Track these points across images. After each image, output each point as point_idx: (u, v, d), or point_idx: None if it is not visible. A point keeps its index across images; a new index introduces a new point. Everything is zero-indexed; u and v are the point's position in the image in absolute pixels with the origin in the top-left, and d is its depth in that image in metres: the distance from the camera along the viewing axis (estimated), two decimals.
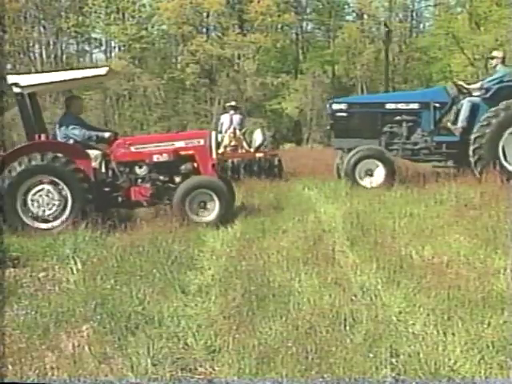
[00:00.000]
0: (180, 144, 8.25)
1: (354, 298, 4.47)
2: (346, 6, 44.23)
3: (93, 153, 8.10)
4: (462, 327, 3.77)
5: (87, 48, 43.00)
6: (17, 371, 3.52)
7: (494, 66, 10.41)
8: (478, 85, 10.33)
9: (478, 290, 4.33)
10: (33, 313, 4.36)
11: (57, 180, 7.68)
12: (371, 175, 9.59)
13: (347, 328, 3.88)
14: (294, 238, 6.43)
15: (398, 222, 6.79)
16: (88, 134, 8.32)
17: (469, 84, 10.68)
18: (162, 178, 8.10)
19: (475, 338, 3.61)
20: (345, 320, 3.98)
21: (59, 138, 8.33)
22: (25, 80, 8.22)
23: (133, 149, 8.18)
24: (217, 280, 5.13)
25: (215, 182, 8.04)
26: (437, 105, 9.95)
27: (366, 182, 9.56)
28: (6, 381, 3.47)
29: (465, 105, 9.87)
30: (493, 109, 9.54)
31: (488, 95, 9.78)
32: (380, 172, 9.56)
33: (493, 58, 10.67)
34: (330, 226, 7.23)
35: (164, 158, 8.08)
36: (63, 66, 38.98)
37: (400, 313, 4.18)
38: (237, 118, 13.95)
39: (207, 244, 6.61)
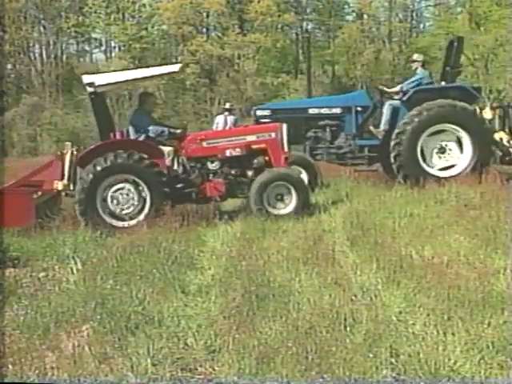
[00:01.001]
0: (252, 138, 8.31)
1: (354, 297, 4.47)
2: (346, 6, 44.23)
3: (165, 149, 8.16)
4: (462, 327, 3.77)
5: (87, 48, 43.01)
6: (17, 371, 3.52)
7: (415, 70, 10.47)
8: (397, 88, 10.36)
9: (478, 290, 4.33)
10: (33, 313, 4.36)
11: (137, 179, 7.76)
12: None
13: (347, 328, 3.88)
14: (294, 238, 6.43)
15: (398, 221, 6.79)
16: (160, 130, 8.41)
17: (390, 87, 10.74)
18: (233, 172, 8.16)
19: (475, 338, 3.61)
20: (345, 320, 3.98)
21: (132, 135, 8.41)
22: (100, 79, 8.28)
23: (205, 144, 8.25)
24: (217, 280, 5.13)
25: (293, 174, 8.16)
26: (359, 109, 9.98)
27: None
28: (5, 381, 3.47)
29: (386, 108, 9.91)
30: (407, 115, 9.56)
31: (405, 98, 9.83)
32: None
33: (413, 61, 10.71)
34: (330, 226, 7.23)
35: (237, 152, 8.14)
36: (63, 66, 39.03)
37: (400, 313, 4.18)
38: (231, 118, 14.56)
39: (207, 244, 6.61)
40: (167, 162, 8.07)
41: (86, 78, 8.21)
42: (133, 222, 7.62)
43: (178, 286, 4.89)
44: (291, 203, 7.86)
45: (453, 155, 9.56)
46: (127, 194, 7.75)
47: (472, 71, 34.57)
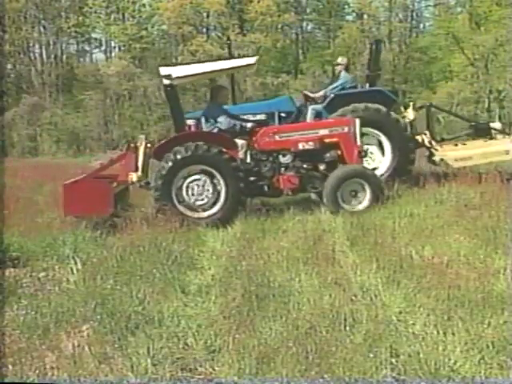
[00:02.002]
0: (324, 132, 8.32)
1: (354, 297, 4.47)
2: (346, 6, 44.23)
3: (239, 142, 8.23)
4: (462, 327, 3.77)
5: (87, 48, 43.02)
6: (17, 371, 3.52)
7: (338, 73, 10.43)
8: (321, 93, 10.29)
9: (478, 290, 4.34)
10: (33, 313, 4.36)
11: (213, 171, 7.83)
12: None
13: (347, 328, 3.88)
14: (294, 238, 6.43)
15: (398, 221, 6.79)
16: (232, 123, 8.48)
17: (314, 92, 10.64)
18: (305, 166, 8.19)
19: (475, 338, 3.61)
20: (345, 320, 3.98)
21: (204, 128, 8.48)
22: (177, 71, 8.31)
23: (277, 137, 8.27)
24: (217, 280, 5.13)
25: (368, 171, 8.17)
26: (283, 114, 9.91)
27: None
28: (6, 381, 3.47)
29: (309, 113, 9.85)
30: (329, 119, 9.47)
31: (326, 103, 9.78)
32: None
33: (337, 64, 10.66)
34: (330, 226, 7.23)
35: (309, 145, 8.17)
36: (63, 66, 39.03)
37: (400, 313, 4.18)
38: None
39: (207, 244, 6.61)
40: (240, 154, 8.16)
41: (164, 70, 8.28)
42: (206, 214, 7.76)
43: (178, 286, 4.89)
44: (365, 200, 7.87)
45: (375, 158, 9.51)
46: (202, 186, 7.84)
47: (472, 71, 34.59)
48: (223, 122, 8.40)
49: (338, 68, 10.47)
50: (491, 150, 9.59)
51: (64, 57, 40.29)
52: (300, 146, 8.16)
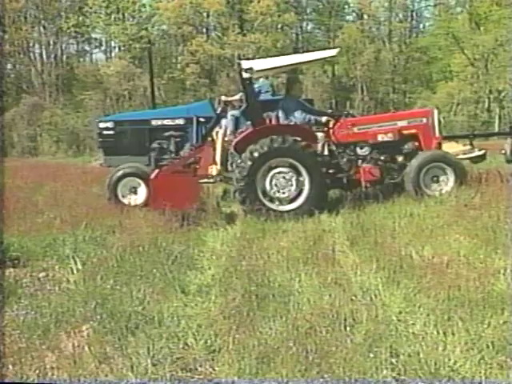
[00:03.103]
0: (403, 123, 8.36)
1: (354, 298, 4.47)
2: (346, 6, 44.29)
3: (318, 135, 8.28)
4: (462, 327, 3.77)
5: (87, 48, 43.03)
6: (17, 371, 3.52)
7: (256, 79, 10.38)
8: (237, 96, 10.31)
9: (478, 290, 4.33)
10: (33, 313, 4.36)
11: (297, 164, 7.86)
12: (135, 193, 9.16)
13: (347, 328, 3.88)
14: (294, 238, 6.43)
15: (398, 221, 6.79)
16: (308, 117, 8.51)
17: (232, 97, 10.68)
18: (383, 157, 8.22)
19: (475, 338, 3.61)
20: (345, 320, 3.97)
21: (282, 121, 8.52)
22: (258, 65, 8.38)
23: (356, 129, 8.33)
24: (217, 280, 5.13)
25: (450, 155, 8.14)
26: (202, 119, 9.91)
27: (131, 199, 9.11)
28: (6, 381, 3.47)
29: (228, 118, 9.86)
30: (244, 125, 9.41)
31: (242, 109, 9.73)
32: (142, 190, 9.10)
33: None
34: (329, 226, 7.23)
35: (388, 137, 8.21)
36: (63, 66, 39.05)
37: (400, 313, 4.18)
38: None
39: (207, 244, 6.61)
40: (318, 147, 8.21)
41: (245, 64, 8.35)
42: (289, 207, 7.81)
43: (178, 286, 4.89)
44: (448, 185, 7.90)
45: None
46: (287, 178, 7.88)
47: (472, 71, 34.61)
48: (298, 115, 8.46)
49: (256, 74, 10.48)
50: None
51: (64, 57, 40.32)
52: (379, 138, 8.22)
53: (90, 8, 38.00)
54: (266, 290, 4.63)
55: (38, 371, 3.51)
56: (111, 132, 9.96)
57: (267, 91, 10.05)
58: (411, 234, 6.27)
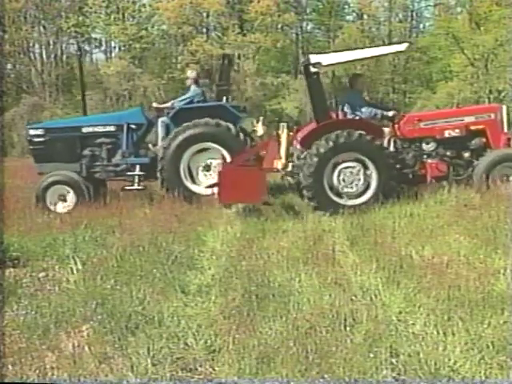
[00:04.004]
0: (470, 119, 8.34)
1: (354, 298, 4.47)
2: (346, 6, 44.23)
3: (385, 130, 8.31)
4: (462, 327, 3.77)
5: (87, 48, 43.00)
6: (17, 371, 3.52)
7: (188, 86, 10.39)
8: (169, 104, 10.26)
9: (478, 290, 4.33)
10: (33, 313, 4.36)
11: (365, 158, 7.93)
12: (64, 200, 9.22)
13: (347, 328, 3.88)
14: (294, 238, 6.43)
15: (398, 221, 6.80)
16: (374, 112, 8.55)
17: (163, 103, 10.64)
18: (449, 153, 8.22)
19: (475, 338, 3.61)
20: (345, 320, 3.98)
21: (348, 115, 8.58)
22: (326, 59, 8.41)
23: (422, 125, 8.35)
24: (217, 280, 5.13)
25: None
26: (133, 126, 9.85)
27: (59, 206, 9.16)
28: (5, 381, 3.47)
29: (159, 125, 9.82)
30: (173, 131, 9.49)
31: (171, 115, 9.74)
32: (71, 198, 9.19)
33: (187, 77, 10.66)
34: (330, 226, 7.23)
35: (455, 133, 8.21)
36: (63, 66, 39.04)
37: (400, 313, 4.18)
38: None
39: (207, 244, 6.60)
40: (385, 142, 8.23)
41: (313, 58, 8.35)
42: (357, 201, 7.90)
43: (178, 286, 4.89)
44: None
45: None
46: (354, 173, 7.96)
47: (472, 71, 34.60)
48: (365, 110, 8.51)
49: (188, 81, 10.42)
50: None
51: (64, 57, 40.30)
52: (446, 134, 8.23)
53: (90, 8, 37.94)
54: (266, 290, 4.63)
55: (37, 371, 3.51)
56: (41, 139, 9.81)
57: (199, 99, 10.03)
58: (411, 234, 6.27)
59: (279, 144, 8.51)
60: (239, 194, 7.54)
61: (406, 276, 4.82)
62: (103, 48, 42.00)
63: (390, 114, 8.63)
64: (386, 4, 41.34)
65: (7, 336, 4.02)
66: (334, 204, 7.83)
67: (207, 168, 9.45)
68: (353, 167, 7.97)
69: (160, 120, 9.83)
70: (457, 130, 8.23)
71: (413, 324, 3.97)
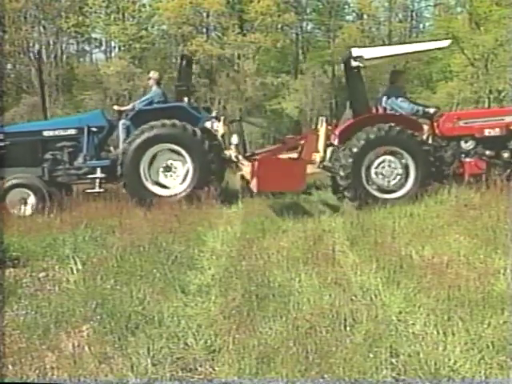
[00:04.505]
0: (511, 119, 8.37)
1: (354, 298, 4.47)
2: (346, 6, 44.20)
3: (424, 126, 8.38)
4: (462, 327, 3.77)
5: (87, 48, 43.01)
6: (17, 371, 3.51)
7: (150, 87, 10.35)
8: (130, 106, 10.25)
9: (478, 290, 4.33)
10: (33, 313, 4.36)
11: (404, 152, 8.01)
12: (25, 204, 9.09)
13: (347, 328, 3.88)
14: (294, 238, 6.43)
15: (398, 221, 6.80)
16: (416, 108, 8.60)
17: (125, 105, 10.61)
18: (487, 152, 8.25)
19: (475, 338, 3.61)
20: (345, 320, 3.97)
21: (388, 111, 8.63)
22: (369, 53, 8.50)
23: (461, 123, 8.38)
24: (217, 280, 5.13)
25: None
26: (94, 129, 9.79)
27: (21, 210, 9.00)
28: (6, 381, 3.47)
29: (120, 127, 9.76)
30: (131, 134, 9.46)
31: (129, 117, 9.71)
32: (32, 201, 9.07)
33: (149, 78, 10.60)
34: (330, 226, 7.23)
35: (496, 132, 8.24)
36: (63, 66, 39.05)
37: (400, 313, 4.18)
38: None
39: (207, 244, 6.60)
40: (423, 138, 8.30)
41: (355, 52, 8.44)
42: (394, 195, 8.00)
43: (178, 286, 4.89)
44: None
45: (179, 174, 9.48)
46: (392, 167, 8.04)
47: (472, 71, 34.58)
48: (406, 107, 8.55)
49: (150, 82, 10.38)
50: None
51: (64, 57, 40.30)
52: (486, 133, 8.26)
53: (90, 8, 37.93)
54: (266, 290, 4.63)
55: (37, 371, 3.51)
56: (2, 144, 9.73)
57: (160, 100, 10.00)
58: (411, 234, 6.27)
59: (317, 137, 8.53)
60: (279, 183, 7.70)
61: (406, 276, 4.82)
62: (103, 48, 42.03)
63: (432, 110, 8.67)
64: (386, 4, 41.33)
65: (7, 336, 4.02)
66: (370, 196, 7.94)
67: (168, 169, 9.43)
68: (391, 161, 8.06)
69: (121, 122, 9.78)
70: (497, 130, 8.26)
71: (413, 324, 3.97)
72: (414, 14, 44.00)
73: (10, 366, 3.56)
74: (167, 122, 9.32)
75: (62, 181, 9.74)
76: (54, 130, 9.86)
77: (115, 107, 10.53)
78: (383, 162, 8.07)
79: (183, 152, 9.36)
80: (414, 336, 3.78)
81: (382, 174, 8.08)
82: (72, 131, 9.84)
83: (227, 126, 10.37)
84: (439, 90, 36.80)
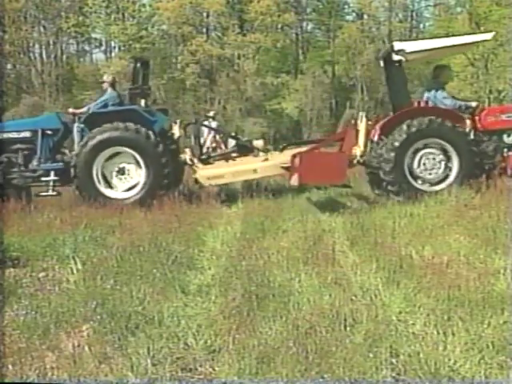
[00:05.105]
0: None
1: (354, 298, 4.47)
2: (346, 6, 44.28)
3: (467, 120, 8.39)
4: (462, 327, 3.76)
5: (87, 48, 43.03)
6: (17, 371, 3.51)
7: (105, 90, 10.27)
8: (85, 109, 10.13)
9: (478, 290, 4.33)
10: (33, 313, 4.36)
11: (446, 144, 8.05)
12: None
13: (347, 328, 3.88)
14: (294, 238, 6.42)
15: (398, 221, 6.79)
16: (458, 103, 8.64)
17: (79, 108, 10.43)
18: None
19: (475, 338, 3.61)
20: (345, 320, 3.97)
21: (430, 105, 8.67)
22: (411, 46, 8.56)
23: (504, 117, 8.43)
24: (217, 280, 5.13)
25: None
26: (49, 132, 9.72)
27: None
28: (6, 381, 3.47)
29: (75, 130, 9.71)
30: (85, 137, 9.39)
31: (82, 120, 9.62)
32: None
33: (103, 82, 10.52)
34: (329, 226, 7.23)
35: None
36: (63, 66, 39.09)
37: (400, 313, 4.17)
38: (214, 124, 16.69)
39: (207, 244, 6.60)
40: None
41: (397, 45, 8.48)
42: (436, 188, 8.00)
43: (178, 286, 4.89)
44: None
45: (133, 176, 9.38)
46: (435, 160, 8.10)
47: (472, 71, 34.61)
48: (449, 102, 8.57)
49: (104, 85, 10.31)
50: (241, 168, 9.68)
51: (64, 57, 40.32)
52: None
53: (90, 8, 37.99)
54: (266, 290, 4.62)
55: (37, 371, 3.51)
56: None
57: (114, 102, 9.94)
58: (411, 233, 6.27)
59: (357, 132, 8.61)
60: (321, 176, 7.82)
61: (406, 276, 4.82)
62: (103, 48, 42.04)
63: (474, 104, 8.73)
64: (386, 4, 41.37)
65: (7, 336, 4.02)
66: (413, 189, 7.97)
67: (121, 172, 9.37)
68: (434, 153, 8.11)
69: (75, 125, 9.71)
70: None
71: (413, 324, 3.97)
72: (413, 13, 44.03)
73: (10, 366, 3.56)
74: (120, 124, 9.24)
75: (17, 183, 9.64)
76: (9, 132, 9.77)
77: (70, 110, 10.31)
78: (426, 154, 8.12)
79: (136, 155, 9.27)
80: (414, 336, 3.78)
81: (425, 167, 8.12)
82: (27, 134, 9.75)
83: (183, 129, 10.31)
84: None
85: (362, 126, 8.60)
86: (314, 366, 3.37)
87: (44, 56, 38.91)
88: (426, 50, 8.88)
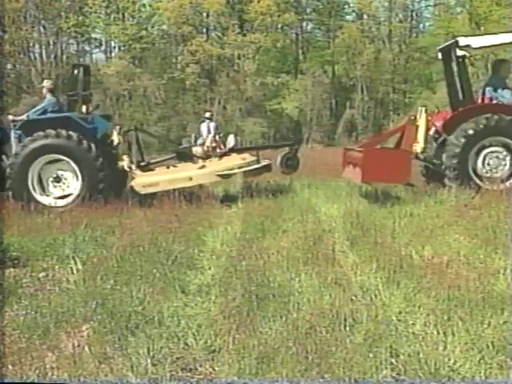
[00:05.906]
0: None
1: (354, 298, 4.47)
2: (346, 6, 44.29)
3: None
4: (462, 327, 3.77)
5: (87, 48, 43.02)
6: (17, 371, 3.51)
7: (44, 96, 10.20)
8: (24, 116, 10.00)
9: (478, 290, 4.33)
10: (33, 313, 4.36)
11: (509, 141, 8.02)
12: None
13: (347, 328, 3.88)
14: (294, 238, 6.42)
15: (398, 221, 6.79)
16: None
17: (19, 115, 10.32)
18: None
19: (475, 338, 3.61)
20: (345, 320, 3.97)
21: (486, 101, 8.62)
22: (476, 42, 8.50)
23: None
24: (217, 280, 5.13)
25: None
26: None
27: None
28: (5, 381, 3.47)
29: (12, 136, 9.62)
30: (20, 144, 9.31)
31: (18, 127, 9.53)
32: None
33: (42, 87, 10.47)
34: (330, 226, 7.22)
35: None
36: (63, 66, 39.07)
37: (400, 313, 4.18)
38: (213, 125, 17.46)
39: (207, 244, 6.60)
40: None
41: (462, 41, 8.39)
42: (502, 186, 7.94)
43: (178, 286, 4.89)
44: None
45: (69, 184, 9.35)
46: (500, 158, 8.09)
47: (472, 71, 34.54)
48: (509, 96, 8.51)
49: (43, 91, 10.25)
50: (177, 176, 9.66)
51: (64, 57, 40.31)
52: None
53: (90, 8, 38.01)
54: (266, 290, 4.62)
55: (37, 371, 3.51)
56: None
57: (53, 109, 9.84)
58: (411, 234, 6.27)
59: (416, 128, 8.54)
60: (385, 174, 7.76)
61: (406, 276, 4.82)
62: (103, 48, 42.04)
63: None
64: (386, 4, 41.42)
65: (7, 336, 4.02)
66: (476, 187, 7.93)
67: (57, 179, 9.34)
68: (499, 152, 8.08)
69: (12, 132, 9.63)
70: None
71: (413, 324, 3.97)
72: (413, 13, 44.04)
73: (10, 366, 3.56)
74: (52, 132, 9.20)
75: None
76: None
77: (9, 117, 10.21)
78: (491, 152, 8.09)
79: (71, 162, 9.23)
80: (414, 336, 3.78)
81: (489, 165, 8.11)
82: None
83: (121, 136, 10.27)
84: (439, 89, 36.78)
85: (422, 122, 8.53)
86: (314, 366, 3.37)
87: (44, 56, 38.91)
88: (492, 46, 8.92)
